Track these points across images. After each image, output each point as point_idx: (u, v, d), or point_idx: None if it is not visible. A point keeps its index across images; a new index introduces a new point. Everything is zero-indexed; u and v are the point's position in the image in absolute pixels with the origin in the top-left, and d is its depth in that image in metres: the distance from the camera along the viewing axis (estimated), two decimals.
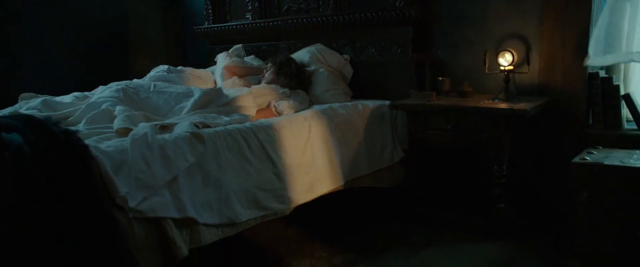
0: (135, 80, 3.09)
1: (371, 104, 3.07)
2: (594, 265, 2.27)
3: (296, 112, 2.83)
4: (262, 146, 2.37)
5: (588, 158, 2.29)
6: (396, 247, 2.64)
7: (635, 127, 2.64)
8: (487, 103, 2.72)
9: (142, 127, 2.07)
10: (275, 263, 2.51)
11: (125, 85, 2.73)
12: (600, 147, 2.51)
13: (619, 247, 2.20)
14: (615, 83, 2.69)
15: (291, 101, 2.90)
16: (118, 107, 2.41)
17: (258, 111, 2.72)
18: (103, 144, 1.93)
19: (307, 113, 2.78)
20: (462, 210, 2.89)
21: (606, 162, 2.21)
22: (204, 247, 2.05)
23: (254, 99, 2.73)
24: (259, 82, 3.24)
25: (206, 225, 2.06)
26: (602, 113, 2.70)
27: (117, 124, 2.20)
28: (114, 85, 2.73)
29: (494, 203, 2.71)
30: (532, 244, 2.60)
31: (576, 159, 2.30)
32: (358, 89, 3.33)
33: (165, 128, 2.21)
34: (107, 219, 1.70)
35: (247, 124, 2.44)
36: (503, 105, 2.64)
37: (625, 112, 2.70)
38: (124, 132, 2.12)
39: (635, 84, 2.80)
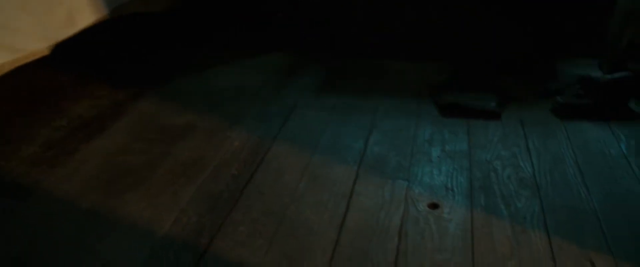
0: None
1: None
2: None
3: None
4: None
5: None
6: (181, 72, 2.52)
7: None
8: None
9: None
10: (49, 109, 2.19)
11: None
12: None
13: None
14: None
15: None
16: None
17: None
18: None
19: None
20: (241, 27, 2.83)
21: None
22: None
23: None
24: None
25: None
26: None
27: None
28: None
29: (270, 16, 2.69)
30: (310, 50, 2.70)
31: None
32: None
33: None
34: None
35: None
36: None
37: None
38: None
39: None
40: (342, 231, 1.45)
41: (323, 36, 2.80)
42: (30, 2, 2.01)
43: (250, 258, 1.35)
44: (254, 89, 2.35)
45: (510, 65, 2.50)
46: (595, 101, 2.10)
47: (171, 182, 1.68)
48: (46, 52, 2.06)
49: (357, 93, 2.31)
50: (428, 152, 1.83)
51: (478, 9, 2.59)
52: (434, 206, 1.54)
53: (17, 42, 1.93)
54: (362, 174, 1.70)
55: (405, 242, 1.40)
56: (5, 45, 1.89)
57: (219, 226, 1.47)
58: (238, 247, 1.39)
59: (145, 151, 1.85)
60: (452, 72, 2.47)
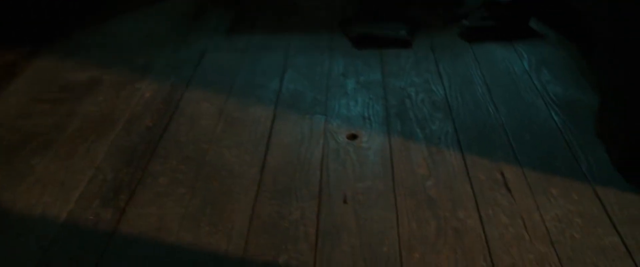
0: None
1: None
2: None
3: None
4: None
5: None
6: (80, 24, 2.35)
7: None
8: None
9: None
10: None
11: None
12: None
13: None
14: None
15: None
16: None
17: None
18: None
19: None
20: None
21: None
22: None
23: None
24: None
25: None
26: None
27: None
28: None
29: None
30: None
31: None
32: None
33: None
34: None
35: None
36: None
37: None
38: None
39: None
40: (264, 171, 1.44)
41: None
42: None
43: (173, 208, 1.33)
44: (161, 36, 2.24)
45: None
46: (499, 23, 2.18)
47: (82, 141, 1.59)
48: None
49: (269, 32, 2.27)
50: (343, 84, 1.84)
51: None
52: (352, 137, 1.57)
53: None
54: (279, 113, 1.69)
55: (327, 174, 1.42)
56: None
57: (137, 179, 1.42)
58: (160, 198, 1.36)
59: (49, 112, 1.73)
60: (361, 4, 2.47)
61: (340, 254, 1.19)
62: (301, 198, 1.35)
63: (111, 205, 1.34)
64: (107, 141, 1.58)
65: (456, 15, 2.30)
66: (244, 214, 1.31)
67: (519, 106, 1.71)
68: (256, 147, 1.53)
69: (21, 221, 1.30)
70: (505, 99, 1.74)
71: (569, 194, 1.37)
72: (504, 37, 2.14)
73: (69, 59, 2.07)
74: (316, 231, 1.25)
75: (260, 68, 1.96)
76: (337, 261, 1.18)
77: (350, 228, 1.26)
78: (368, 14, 2.34)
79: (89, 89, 1.85)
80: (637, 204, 1.34)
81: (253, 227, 1.27)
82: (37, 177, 1.45)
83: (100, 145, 1.57)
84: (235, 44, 2.16)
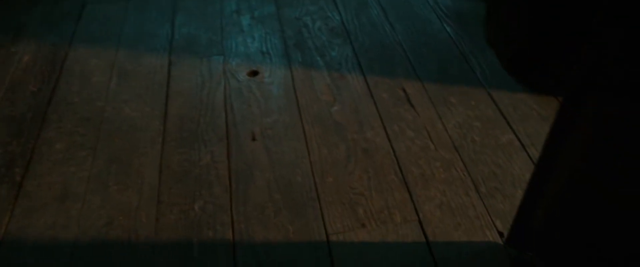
0: None
1: None
2: None
3: None
4: None
5: None
6: None
7: None
8: None
9: None
10: None
11: None
12: None
13: None
14: None
15: None
16: None
17: None
18: None
19: None
20: None
21: None
22: None
23: None
24: None
25: None
26: None
27: None
28: None
29: None
30: None
31: None
32: None
33: None
34: None
35: None
36: None
37: None
38: None
39: None
40: (168, 120, 1.39)
41: None
42: None
43: (76, 173, 1.26)
44: None
45: None
46: None
47: None
48: None
49: None
50: (238, 22, 1.78)
51: None
52: (253, 74, 1.54)
53: None
54: (175, 59, 1.62)
55: (233, 114, 1.40)
56: None
57: (31, 149, 1.33)
58: (60, 165, 1.28)
59: None
60: None
61: (256, 190, 1.19)
62: (209, 142, 1.32)
63: (5, 181, 1.25)
64: None
65: None
66: (152, 167, 1.26)
67: (414, 23, 1.74)
68: (155, 98, 1.47)
69: None
70: (400, 18, 1.76)
71: (467, 101, 1.43)
72: None
73: None
74: (228, 173, 1.24)
75: (148, 15, 1.85)
76: (253, 198, 1.18)
77: (262, 164, 1.26)
78: None
79: None
80: (528, 103, 1.42)
81: (164, 179, 1.23)
82: None
83: None
84: None
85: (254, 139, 1.32)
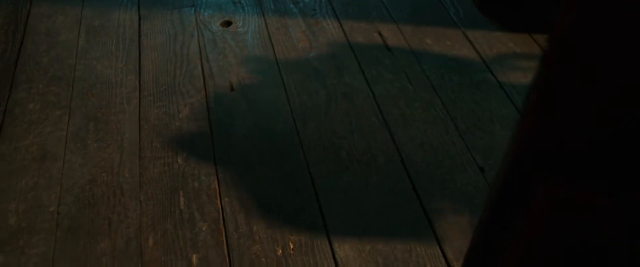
0: None
1: None
2: None
3: None
4: None
5: None
6: None
7: None
8: None
9: None
10: None
11: None
12: None
13: None
14: None
15: None
16: None
17: None
18: None
19: None
20: None
21: None
22: None
23: None
24: None
25: None
26: None
27: None
28: None
29: None
30: None
31: None
32: None
33: None
34: None
35: None
36: None
37: None
38: None
39: None
40: (142, 74, 1.37)
41: None
42: None
43: (52, 133, 1.23)
44: None
45: None
46: None
47: None
48: None
49: None
50: None
51: None
52: (227, 24, 1.51)
53: None
54: (144, 12, 1.57)
55: (209, 66, 1.38)
56: None
57: (2, 113, 1.30)
58: (35, 126, 1.26)
59: None
60: None
61: (238, 140, 1.19)
62: (187, 95, 1.30)
63: None
64: None
65: None
66: (131, 123, 1.25)
67: None
68: (128, 53, 1.44)
69: None
70: None
71: (443, 41, 1.43)
72: None
73: None
74: (209, 124, 1.23)
75: None
76: (236, 147, 1.18)
77: (242, 113, 1.25)
78: None
79: None
80: (503, 41, 1.44)
81: (144, 134, 1.22)
82: None
83: None
84: None
85: (232, 89, 1.31)
